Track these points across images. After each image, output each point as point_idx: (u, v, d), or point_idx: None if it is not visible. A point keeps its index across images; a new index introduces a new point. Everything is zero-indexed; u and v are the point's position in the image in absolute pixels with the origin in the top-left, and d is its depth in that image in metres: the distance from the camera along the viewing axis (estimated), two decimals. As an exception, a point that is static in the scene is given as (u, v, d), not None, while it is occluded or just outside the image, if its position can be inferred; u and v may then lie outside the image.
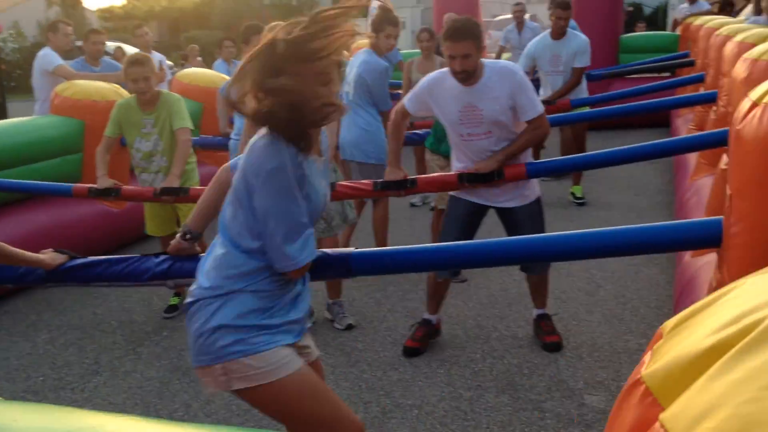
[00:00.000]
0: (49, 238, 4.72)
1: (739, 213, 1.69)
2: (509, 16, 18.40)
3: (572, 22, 7.25)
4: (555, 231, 5.49)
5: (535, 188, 3.64)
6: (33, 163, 5.25)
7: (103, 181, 4.23)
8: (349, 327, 4.10)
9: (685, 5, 11.17)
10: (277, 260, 1.86)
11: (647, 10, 33.11)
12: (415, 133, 5.16)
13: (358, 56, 5.07)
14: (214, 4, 32.88)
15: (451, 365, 3.61)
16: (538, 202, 3.65)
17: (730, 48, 4.40)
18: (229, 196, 1.98)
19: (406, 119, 3.75)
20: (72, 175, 5.46)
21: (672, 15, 19.10)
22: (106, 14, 36.35)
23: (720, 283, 1.77)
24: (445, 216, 3.74)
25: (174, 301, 4.56)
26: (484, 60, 3.43)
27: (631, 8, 28.39)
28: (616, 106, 6.04)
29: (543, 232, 3.60)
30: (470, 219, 3.68)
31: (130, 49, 17.77)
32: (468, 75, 3.34)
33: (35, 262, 2.41)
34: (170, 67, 18.41)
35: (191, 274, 2.10)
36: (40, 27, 35.09)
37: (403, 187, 3.61)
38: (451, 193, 3.72)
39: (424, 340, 3.81)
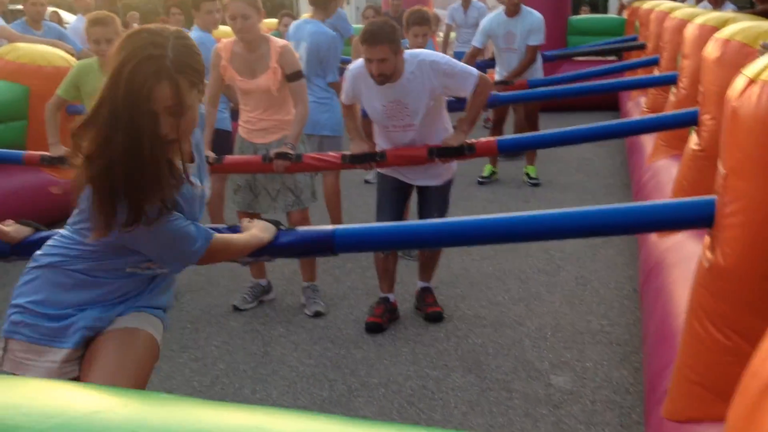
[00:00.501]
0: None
1: (735, 192, 1.68)
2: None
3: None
4: (512, 211, 5.52)
5: (451, 169, 3.75)
6: (-28, 130, 4.99)
7: (56, 149, 3.99)
8: (317, 314, 3.93)
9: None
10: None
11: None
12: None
13: (300, 27, 4.94)
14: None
15: (415, 344, 3.58)
16: (450, 182, 3.80)
17: (691, 31, 4.44)
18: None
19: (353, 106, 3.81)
20: (16, 143, 5.20)
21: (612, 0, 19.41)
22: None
23: (713, 264, 1.76)
24: (377, 192, 3.85)
25: None
26: (405, 53, 3.44)
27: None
28: (574, 85, 6.09)
29: (445, 210, 3.80)
30: (398, 194, 3.78)
31: (66, 15, 17.12)
32: (386, 78, 3.38)
33: None
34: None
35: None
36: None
37: (373, 159, 3.58)
38: (378, 170, 3.80)
39: (384, 317, 3.77)
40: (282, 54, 3.63)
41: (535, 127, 6.76)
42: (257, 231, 2.03)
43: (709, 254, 1.79)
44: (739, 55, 2.63)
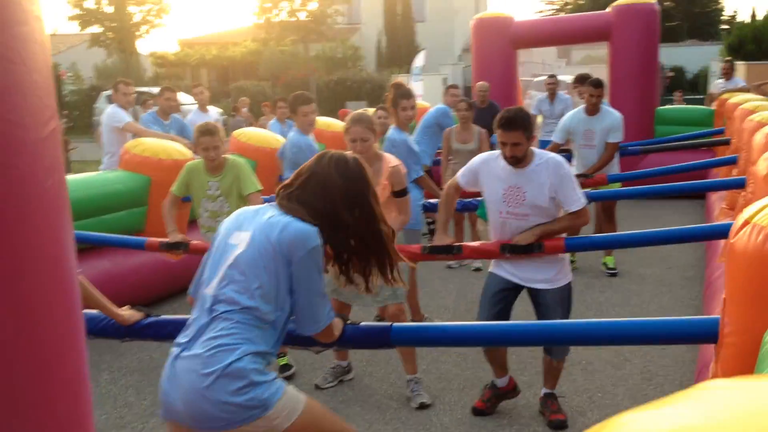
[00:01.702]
0: (112, 283, 5.12)
1: (731, 316, 1.98)
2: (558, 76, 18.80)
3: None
4: (587, 300, 5.74)
5: (567, 273, 3.84)
6: (101, 215, 5.70)
7: (174, 236, 4.60)
8: (422, 406, 4.12)
9: (721, 81, 11.44)
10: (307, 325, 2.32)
11: (689, 75, 33.37)
12: (470, 201, 5.48)
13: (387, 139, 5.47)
14: (261, 56, 33.93)
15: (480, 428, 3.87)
16: (568, 287, 3.83)
17: (759, 138, 4.61)
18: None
19: (458, 192, 4.11)
20: (136, 226, 5.91)
21: (712, 81, 19.37)
22: (160, 60, 37.67)
23: (715, 375, 2.05)
24: (482, 290, 3.96)
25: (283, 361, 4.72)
26: (535, 149, 3.77)
27: (672, 73, 28.71)
28: (647, 186, 6.35)
29: (568, 316, 3.82)
30: (503, 295, 3.87)
31: (182, 96, 18.60)
32: (517, 160, 3.68)
33: (114, 315, 2.76)
34: (221, 114, 19.08)
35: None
36: (97, 70, 36.59)
37: (450, 251, 3.94)
38: (490, 269, 3.98)
39: (489, 401, 4.06)
40: (392, 173, 4.11)
41: (612, 219, 7.00)
42: (338, 322, 2.47)
43: (713, 367, 2.07)
44: None
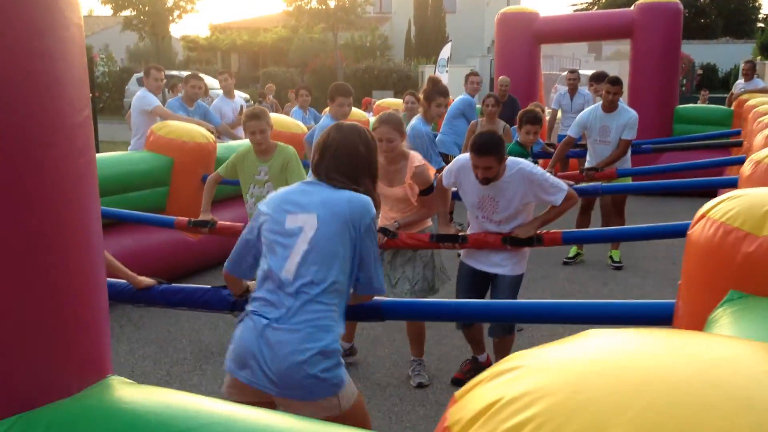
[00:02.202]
0: (134, 260, 5.41)
1: (684, 301, 2.19)
2: (580, 71, 18.86)
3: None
4: (589, 292, 5.90)
5: (522, 266, 4.20)
6: (126, 193, 6.01)
7: (205, 215, 4.83)
8: (420, 385, 4.38)
9: (741, 81, 11.49)
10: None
11: (721, 73, 33.09)
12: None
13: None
14: (291, 42, 34.24)
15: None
16: (520, 277, 4.20)
17: (759, 139, 4.74)
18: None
19: (448, 189, 4.38)
20: (158, 205, 6.22)
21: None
22: (191, 44, 38.16)
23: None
24: (456, 278, 4.36)
25: None
26: (508, 160, 4.00)
27: (701, 71, 28.54)
28: (655, 182, 6.51)
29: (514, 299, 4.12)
30: (473, 280, 4.27)
31: (210, 80, 18.97)
32: (488, 181, 3.95)
33: (130, 278, 3.06)
34: (246, 101, 19.42)
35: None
36: (129, 53, 37.13)
37: (456, 240, 4.19)
38: (461, 259, 4.35)
39: (468, 374, 4.35)
40: (416, 173, 4.21)
41: (621, 214, 7.17)
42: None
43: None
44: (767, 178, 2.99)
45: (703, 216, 2.20)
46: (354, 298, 2.64)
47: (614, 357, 0.91)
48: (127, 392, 1.51)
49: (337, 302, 2.44)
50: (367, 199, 2.53)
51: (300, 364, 2.31)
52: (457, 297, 4.30)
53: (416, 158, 4.30)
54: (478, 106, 8.34)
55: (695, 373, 0.83)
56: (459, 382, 4.34)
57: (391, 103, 12.01)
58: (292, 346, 2.32)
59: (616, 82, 6.90)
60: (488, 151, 3.84)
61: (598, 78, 8.53)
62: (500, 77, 9.78)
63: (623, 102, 7.34)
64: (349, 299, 2.56)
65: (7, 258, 1.37)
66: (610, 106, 6.90)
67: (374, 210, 2.54)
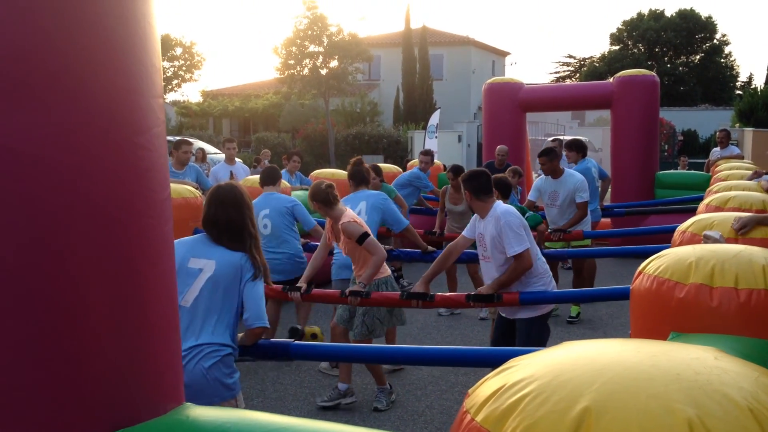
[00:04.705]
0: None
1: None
2: (562, 137, 19.61)
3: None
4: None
5: (533, 309, 4.61)
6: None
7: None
8: (376, 410, 5.13)
9: (717, 149, 12.11)
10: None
11: (702, 139, 34.06)
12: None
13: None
14: (282, 108, 35.07)
15: None
16: (534, 320, 4.60)
17: (701, 206, 5.13)
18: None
19: (463, 248, 4.98)
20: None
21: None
22: (184, 110, 38.96)
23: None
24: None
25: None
26: (498, 203, 4.63)
27: (682, 137, 29.43)
28: (603, 248, 7.30)
29: (531, 344, 4.43)
30: (502, 328, 4.82)
31: (207, 147, 19.51)
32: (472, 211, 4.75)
33: None
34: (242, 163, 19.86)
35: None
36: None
37: (423, 298, 4.65)
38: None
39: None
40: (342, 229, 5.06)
41: (580, 275, 7.74)
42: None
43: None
44: (691, 243, 3.41)
45: (640, 273, 2.65)
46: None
47: (584, 353, 1.32)
48: (206, 413, 1.88)
49: None
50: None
51: None
52: (490, 343, 4.95)
53: (346, 216, 5.02)
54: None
55: (641, 360, 1.26)
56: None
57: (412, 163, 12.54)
58: None
59: (543, 153, 7.53)
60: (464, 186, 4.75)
61: (570, 146, 9.13)
62: (498, 146, 10.38)
63: (574, 168, 7.97)
64: None
65: (118, 306, 1.77)
66: (552, 174, 7.48)
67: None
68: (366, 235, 4.88)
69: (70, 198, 1.66)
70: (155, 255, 1.90)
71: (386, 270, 5.13)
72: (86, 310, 1.69)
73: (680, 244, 3.58)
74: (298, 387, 5.67)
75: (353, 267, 5.19)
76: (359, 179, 6.21)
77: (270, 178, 6.57)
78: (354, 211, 5.91)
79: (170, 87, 34.23)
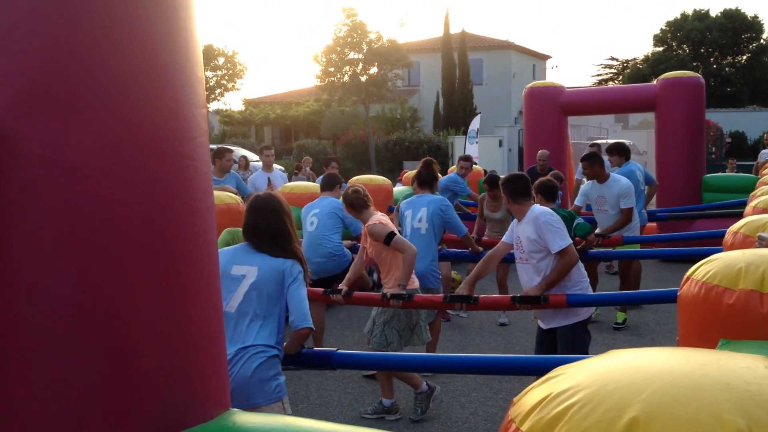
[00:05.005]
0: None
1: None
2: (605, 140, 19.37)
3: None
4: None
5: (571, 315, 4.55)
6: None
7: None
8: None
9: (766, 150, 11.84)
10: None
11: (750, 141, 33.33)
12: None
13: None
14: (322, 115, 35.32)
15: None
16: (574, 327, 4.54)
17: (748, 208, 5.00)
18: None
19: (503, 253, 5.00)
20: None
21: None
22: (226, 119, 39.48)
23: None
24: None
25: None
26: (534, 206, 4.63)
27: (729, 140, 28.85)
28: (653, 249, 7.07)
29: (575, 351, 4.40)
30: (542, 338, 4.78)
31: (249, 155, 19.78)
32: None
33: None
34: (282, 170, 20.11)
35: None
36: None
37: (467, 300, 4.63)
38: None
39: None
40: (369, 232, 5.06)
41: (626, 278, 7.61)
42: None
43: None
44: (743, 245, 3.34)
45: (688, 279, 2.59)
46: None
47: (631, 362, 1.30)
48: (251, 419, 1.90)
49: None
50: None
51: None
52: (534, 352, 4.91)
53: (373, 219, 5.00)
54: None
55: (691, 369, 1.24)
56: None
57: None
58: None
59: (585, 158, 7.47)
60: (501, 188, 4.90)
61: (611, 150, 9.00)
62: (540, 151, 10.32)
63: (618, 172, 7.88)
64: None
65: (164, 314, 1.80)
66: (598, 179, 7.39)
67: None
68: (392, 234, 4.89)
69: (118, 209, 1.70)
70: (200, 263, 1.92)
71: (415, 281, 5.08)
72: (133, 318, 1.73)
73: (732, 244, 3.49)
74: (342, 393, 5.69)
75: (380, 274, 5.17)
76: (423, 180, 6.28)
77: (327, 185, 7.00)
78: (415, 218, 5.92)
79: (213, 96, 34.73)
